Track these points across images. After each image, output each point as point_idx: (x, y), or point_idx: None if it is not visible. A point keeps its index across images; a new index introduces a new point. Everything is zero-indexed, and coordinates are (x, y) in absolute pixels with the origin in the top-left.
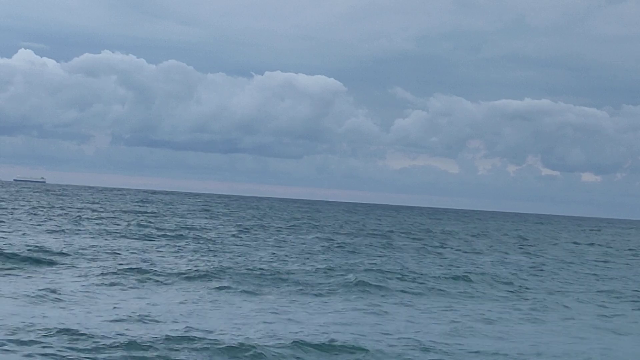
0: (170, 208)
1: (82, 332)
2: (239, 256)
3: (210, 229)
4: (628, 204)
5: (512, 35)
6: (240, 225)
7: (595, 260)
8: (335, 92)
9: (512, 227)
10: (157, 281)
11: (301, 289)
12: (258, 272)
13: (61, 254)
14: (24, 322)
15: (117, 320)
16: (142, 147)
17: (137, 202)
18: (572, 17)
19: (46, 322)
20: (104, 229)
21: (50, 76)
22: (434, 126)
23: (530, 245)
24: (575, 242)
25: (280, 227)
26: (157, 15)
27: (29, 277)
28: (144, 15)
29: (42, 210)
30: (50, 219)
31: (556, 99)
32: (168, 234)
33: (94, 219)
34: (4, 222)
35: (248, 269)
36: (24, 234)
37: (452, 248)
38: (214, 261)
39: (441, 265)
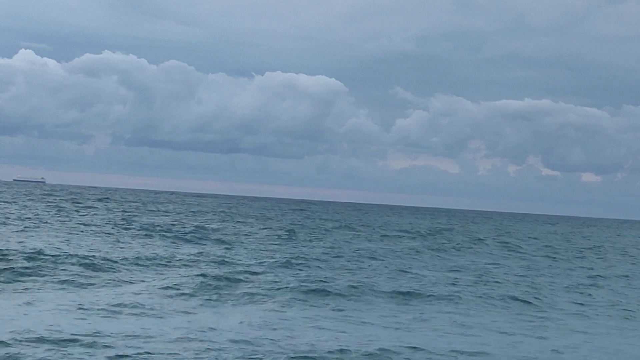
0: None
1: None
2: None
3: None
4: (628, 204)
5: (512, 35)
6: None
7: None
8: (336, 92)
9: (553, 230)
10: (249, 295)
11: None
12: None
13: (130, 261)
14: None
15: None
16: (143, 147)
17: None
18: (572, 17)
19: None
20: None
21: (51, 76)
22: (435, 126)
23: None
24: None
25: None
26: (158, 15)
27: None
28: (144, 15)
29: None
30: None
31: (556, 99)
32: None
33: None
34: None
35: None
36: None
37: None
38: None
39: None
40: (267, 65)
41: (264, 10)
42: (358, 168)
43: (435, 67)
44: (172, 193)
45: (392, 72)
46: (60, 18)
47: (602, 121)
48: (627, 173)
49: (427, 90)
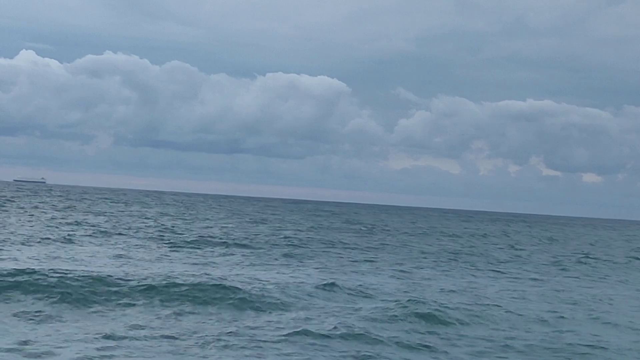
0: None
1: None
2: None
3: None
4: (629, 205)
5: (512, 36)
6: None
7: None
8: (338, 92)
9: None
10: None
11: None
12: None
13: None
14: None
15: None
16: (145, 147)
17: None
18: (572, 18)
19: None
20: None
21: (54, 77)
22: (438, 127)
23: None
24: None
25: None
26: (159, 16)
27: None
28: (145, 16)
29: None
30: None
31: (558, 99)
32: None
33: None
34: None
35: None
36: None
37: None
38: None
39: None
40: (269, 66)
41: (265, 11)
42: (360, 168)
43: (436, 67)
44: (177, 194)
45: (394, 72)
46: (61, 19)
47: (604, 122)
48: (628, 173)
49: (430, 90)
